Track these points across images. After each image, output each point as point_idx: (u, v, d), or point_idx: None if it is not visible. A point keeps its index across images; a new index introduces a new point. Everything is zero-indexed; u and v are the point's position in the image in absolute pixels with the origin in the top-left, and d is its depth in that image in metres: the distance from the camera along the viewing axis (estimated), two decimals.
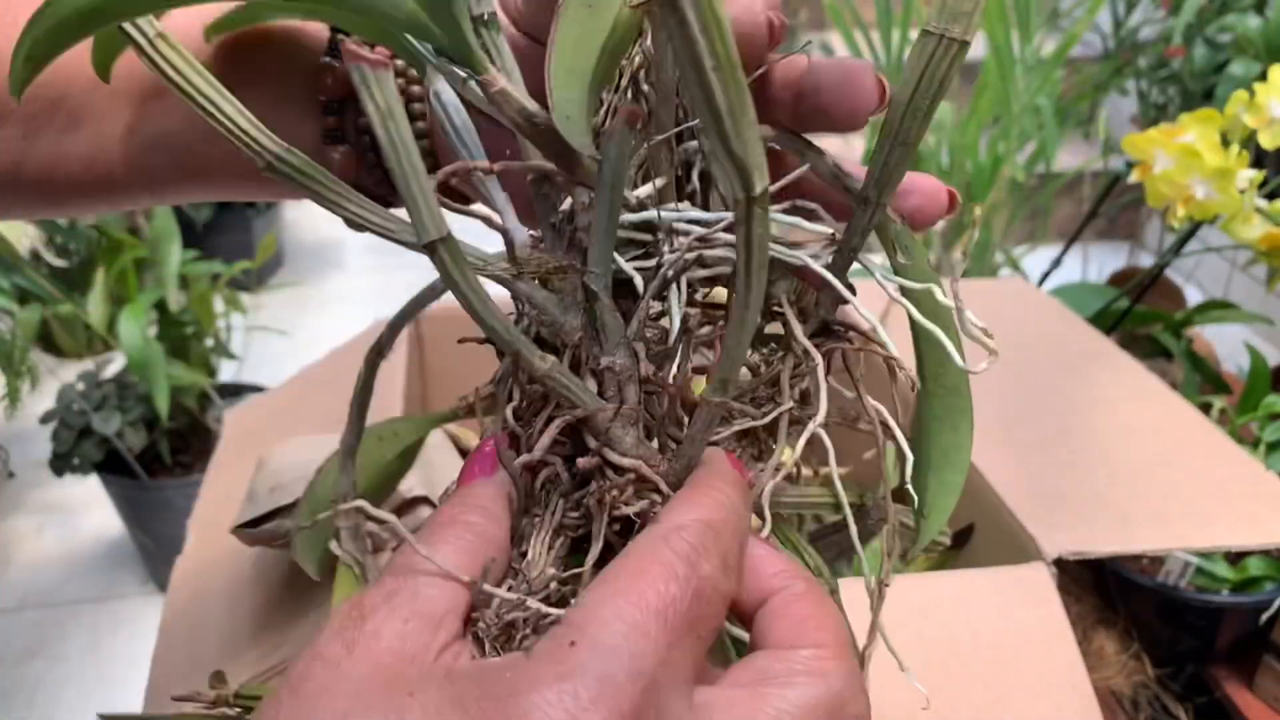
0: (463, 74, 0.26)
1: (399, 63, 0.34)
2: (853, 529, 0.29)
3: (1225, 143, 0.82)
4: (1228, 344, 1.43)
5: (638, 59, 0.29)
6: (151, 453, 1.58)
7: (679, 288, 0.28)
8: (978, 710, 0.29)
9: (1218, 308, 1.23)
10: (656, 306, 0.28)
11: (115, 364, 1.65)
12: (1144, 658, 0.88)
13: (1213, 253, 1.41)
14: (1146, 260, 2.08)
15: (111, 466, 1.54)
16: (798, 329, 0.28)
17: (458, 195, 0.36)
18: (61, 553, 1.71)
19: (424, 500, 0.61)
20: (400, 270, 2.37)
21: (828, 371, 0.29)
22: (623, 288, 0.28)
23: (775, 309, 0.29)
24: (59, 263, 1.71)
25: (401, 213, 0.24)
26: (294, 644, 0.55)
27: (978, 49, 1.47)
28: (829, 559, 0.31)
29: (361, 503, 0.28)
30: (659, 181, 0.29)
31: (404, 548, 0.24)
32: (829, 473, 0.29)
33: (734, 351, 0.24)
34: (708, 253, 0.28)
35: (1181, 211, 0.82)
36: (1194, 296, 1.74)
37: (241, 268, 1.72)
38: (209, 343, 1.68)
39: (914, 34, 1.43)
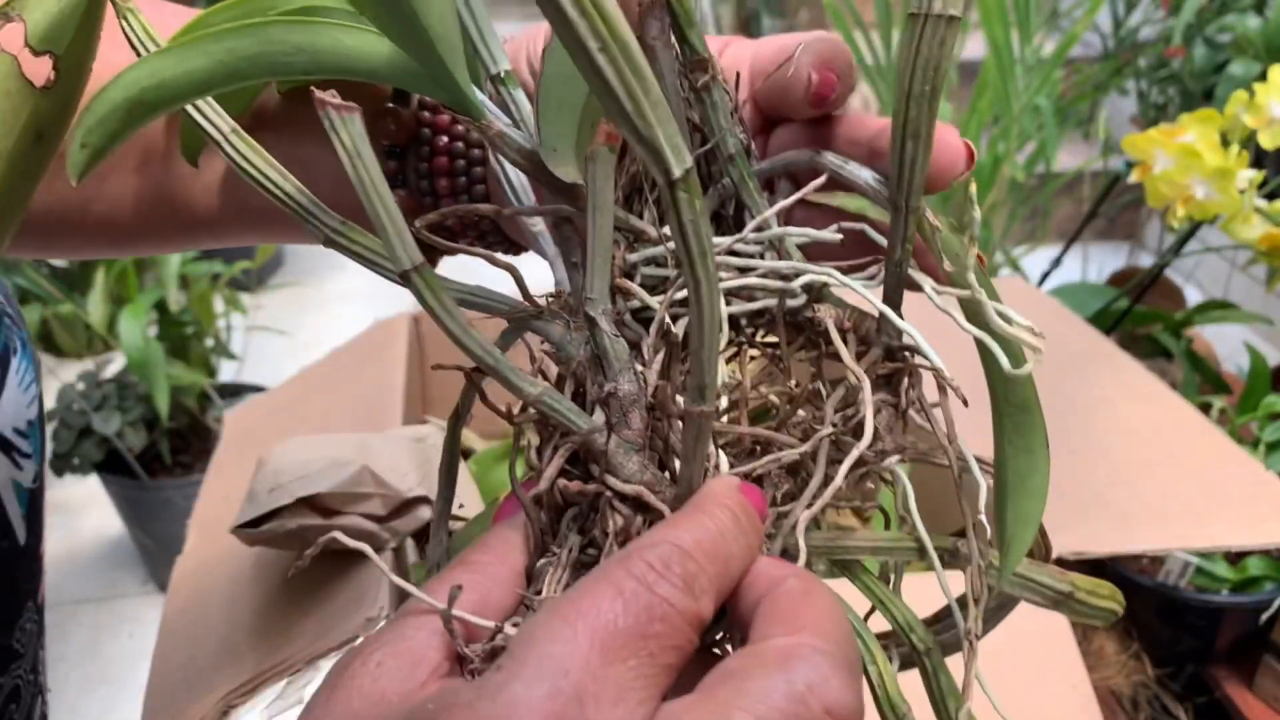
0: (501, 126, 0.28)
1: (459, 126, 0.36)
2: (940, 575, 0.27)
3: (1225, 143, 0.82)
4: (1228, 344, 1.43)
5: None
6: (151, 453, 1.58)
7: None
8: (977, 710, 0.29)
9: (1217, 308, 1.23)
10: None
11: (115, 364, 1.65)
12: (1144, 658, 0.88)
13: (1212, 253, 1.41)
14: (1146, 260, 2.08)
15: (111, 466, 1.54)
16: (844, 350, 0.27)
17: (508, 240, 0.38)
18: (61, 553, 1.71)
19: (424, 500, 0.61)
20: None
21: (906, 407, 0.28)
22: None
23: (820, 334, 0.28)
24: (59, 263, 1.71)
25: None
26: (294, 644, 0.55)
27: (978, 49, 1.47)
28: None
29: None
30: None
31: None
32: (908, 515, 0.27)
33: (700, 354, 0.23)
34: (739, 282, 0.27)
35: (1181, 211, 0.82)
36: (1194, 296, 1.74)
37: (241, 268, 1.72)
38: (209, 343, 1.68)
39: None
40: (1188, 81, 1.58)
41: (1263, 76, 0.85)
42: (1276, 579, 0.88)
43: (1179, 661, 0.91)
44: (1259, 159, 0.87)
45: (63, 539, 1.74)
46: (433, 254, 0.36)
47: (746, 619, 0.23)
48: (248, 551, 0.64)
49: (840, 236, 0.28)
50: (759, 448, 0.27)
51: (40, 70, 0.29)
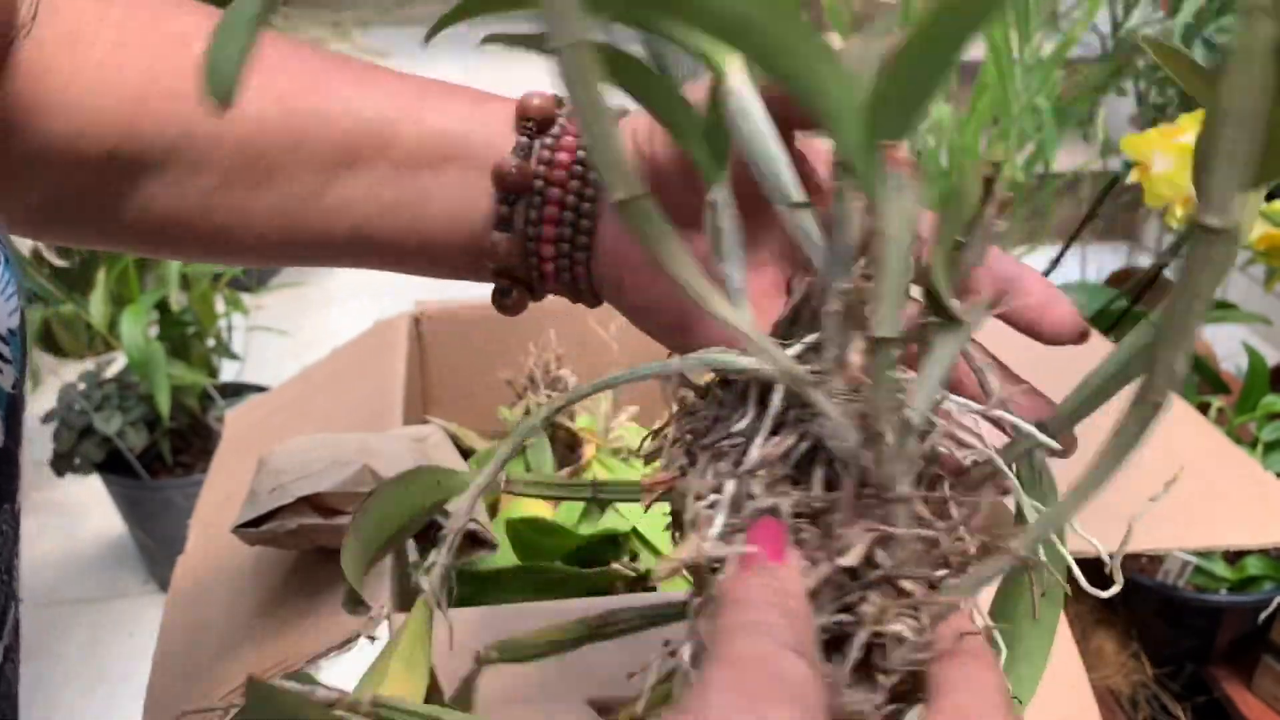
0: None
1: (574, 182, 0.38)
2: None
3: None
4: (1227, 344, 1.43)
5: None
6: (153, 452, 1.58)
7: None
8: None
9: (1217, 308, 1.23)
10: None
11: (116, 364, 1.65)
12: (1143, 657, 0.88)
13: None
14: (1145, 260, 2.08)
15: (112, 466, 1.54)
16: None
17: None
18: (62, 553, 1.71)
19: None
20: None
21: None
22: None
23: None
24: (61, 263, 1.71)
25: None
26: (294, 644, 0.55)
27: (977, 49, 1.47)
28: None
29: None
30: None
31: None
32: None
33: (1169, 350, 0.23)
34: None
35: (1180, 211, 0.82)
36: None
37: (242, 268, 1.73)
38: (210, 342, 1.68)
39: None
40: None
41: None
42: (1275, 578, 0.88)
43: (1178, 661, 0.91)
44: None
45: (63, 539, 1.74)
46: None
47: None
48: (248, 551, 0.64)
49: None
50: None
51: None
